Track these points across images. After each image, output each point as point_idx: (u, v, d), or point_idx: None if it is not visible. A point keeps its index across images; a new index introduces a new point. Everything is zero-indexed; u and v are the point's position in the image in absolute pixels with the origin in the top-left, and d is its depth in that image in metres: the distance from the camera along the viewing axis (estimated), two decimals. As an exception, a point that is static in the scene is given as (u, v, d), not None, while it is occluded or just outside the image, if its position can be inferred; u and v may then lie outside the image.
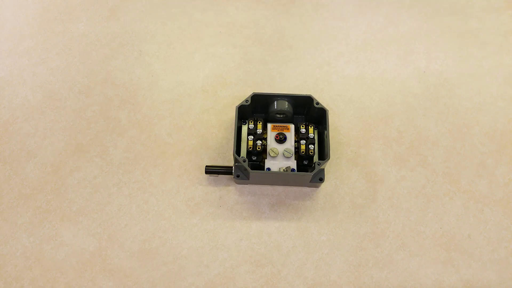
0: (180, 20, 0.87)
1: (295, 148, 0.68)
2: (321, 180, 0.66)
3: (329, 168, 0.72)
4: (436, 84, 0.81)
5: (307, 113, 0.72)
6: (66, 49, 0.84)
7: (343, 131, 0.76)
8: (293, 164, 0.66)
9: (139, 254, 0.65)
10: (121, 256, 0.65)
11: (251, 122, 0.69)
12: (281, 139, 0.67)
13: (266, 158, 0.67)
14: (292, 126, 0.69)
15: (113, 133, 0.75)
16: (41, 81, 0.80)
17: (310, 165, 0.68)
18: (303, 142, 0.68)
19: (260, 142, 0.67)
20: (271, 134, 0.68)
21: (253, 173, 0.63)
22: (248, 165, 0.63)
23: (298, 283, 0.64)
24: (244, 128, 0.70)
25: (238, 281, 0.64)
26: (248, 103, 0.68)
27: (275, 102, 0.69)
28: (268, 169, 0.66)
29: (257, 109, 0.72)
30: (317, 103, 0.68)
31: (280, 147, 0.67)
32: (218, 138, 0.75)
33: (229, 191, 0.70)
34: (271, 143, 0.67)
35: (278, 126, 0.69)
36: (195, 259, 0.65)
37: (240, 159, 0.63)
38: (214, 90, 0.79)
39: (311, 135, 0.68)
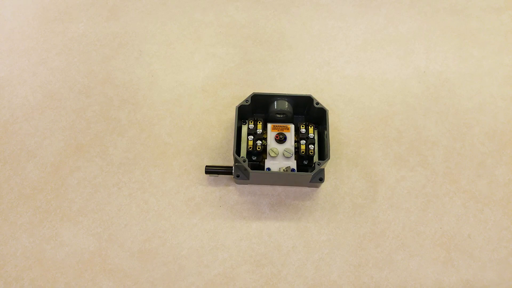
0: (180, 20, 0.87)
1: (295, 148, 0.68)
2: (321, 180, 0.66)
3: (329, 168, 0.72)
4: (436, 84, 0.81)
5: (307, 113, 0.72)
6: (66, 49, 0.84)
7: (343, 131, 0.76)
8: (293, 164, 0.66)
9: (139, 254, 0.65)
10: (121, 256, 0.65)
11: (251, 122, 0.69)
12: (281, 139, 0.67)
13: (266, 158, 0.67)
14: (292, 126, 0.69)
15: (113, 133, 0.75)
16: (41, 81, 0.80)
17: (310, 165, 0.68)
18: (303, 142, 0.68)
19: (260, 142, 0.67)
20: (271, 134, 0.68)
21: (253, 173, 0.63)
22: (248, 165, 0.63)
23: (298, 283, 0.64)
24: (244, 128, 0.70)
25: (238, 281, 0.64)
26: (248, 103, 0.68)
27: (275, 102, 0.69)
28: (268, 169, 0.66)
29: (257, 109, 0.72)
30: (317, 103, 0.68)
31: (280, 147, 0.67)
32: (218, 138, 0.75)
33: (229, 191, 0.70)
34: (271, 143, 0.67)
35: (278, 126, 0.69)
36: (195, 259, 0.65)
37: (240, 159, 0.63)
38: (214, 90, 0.79)
39: (311, 135, 0.68)
